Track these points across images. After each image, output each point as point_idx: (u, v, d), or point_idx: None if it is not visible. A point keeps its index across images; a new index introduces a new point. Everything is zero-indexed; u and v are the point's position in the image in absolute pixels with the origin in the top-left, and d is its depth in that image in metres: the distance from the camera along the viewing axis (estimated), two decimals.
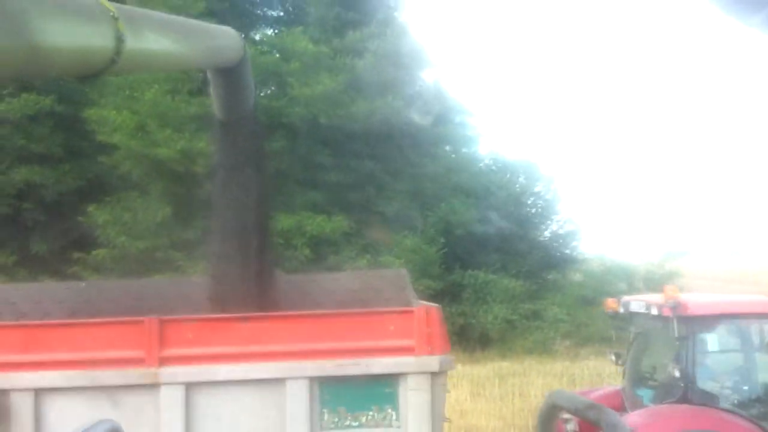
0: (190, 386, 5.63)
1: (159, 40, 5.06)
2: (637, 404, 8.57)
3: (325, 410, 5.71)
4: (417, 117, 23.22)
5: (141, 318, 5.70)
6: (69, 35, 3.89)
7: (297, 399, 5.64)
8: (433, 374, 5.69)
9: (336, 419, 5.71)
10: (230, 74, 6.57)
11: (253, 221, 6.86)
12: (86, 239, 20.33)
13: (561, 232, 26.50)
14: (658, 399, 8.32)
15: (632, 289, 23.03)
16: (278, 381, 5.66)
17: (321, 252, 20.16)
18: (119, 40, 4.22)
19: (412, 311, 5.89)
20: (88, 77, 4.67)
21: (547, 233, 26.31)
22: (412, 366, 5.68)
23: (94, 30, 4.10)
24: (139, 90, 19.58)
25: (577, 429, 8.32)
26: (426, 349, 5.69)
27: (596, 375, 17.62)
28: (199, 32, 5.99)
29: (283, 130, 20.91)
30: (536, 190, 26.09)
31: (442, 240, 21.78)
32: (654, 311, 8.21)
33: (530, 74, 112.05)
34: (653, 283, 23.33)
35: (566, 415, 8.44)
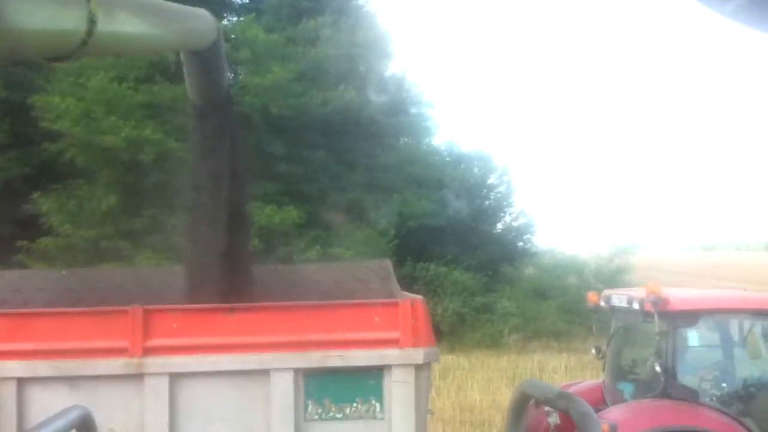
0: (174, 377, 5.59)
1: (132, 21, 4.90)
2: (618, 398, 8.66)
3: (309, 402, 5.71)
4: (373, 106, 23.12)
5: (125, 307, 5.63)
6: (38, 16, 3.76)
7: (282, 390, 5.63)
8: (418, 366, 5.70)
9: (320, 411, 5.71)
10: (204, 57, 6.38)
11: (229, 208, 6.66)
12: (32, 227, 20.02)
13: (515, 224, 26.64)
14: (639, 394, 8.40)
15: (582, 283, 23.19)
16: (263, 372, 5.65)
17: (271, 243, 20.02)
18: (91, 21, 4.09)
19: (397, 303, 5.88)
20: (57, 60, 4.52)
21: (500, 226, 26.44)
22: (396, 358, 5.69)
23: (65, 11, 3.97)
24: (85, 76, 19.24)
25: (559, 422, 8.39)
26: (411, 341, 5.69)
27: (540, 369, 17.75)
28: (173, 14, 5.80)
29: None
30: (490, 182, 26.19)
31: (393, 231, 21.73)
32: (636, 306, 8.26)
33: (486, 66, 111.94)
34: (603, 276, 23.53)
35: (548, 408, 8.48)
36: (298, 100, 20.70)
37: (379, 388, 5.71)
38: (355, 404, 5.71)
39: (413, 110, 25.36)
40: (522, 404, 3.71)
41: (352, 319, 5.83)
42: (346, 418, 5.71)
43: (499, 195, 26.07)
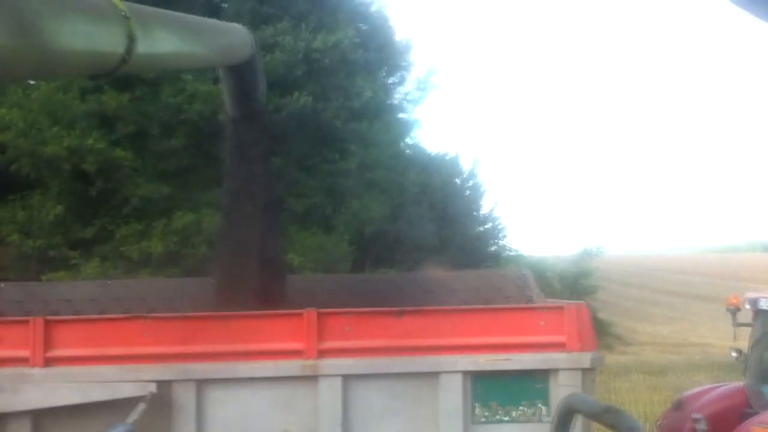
0: (347, 378, 5.82)
1: (170, 39, 5.09)
2: (762, 401, 8.68)
3: (476, 404, 5.91)
4: (332, 112, 22.93)
5: (300, 310, 5.87)
6: (80, 35, 3.89)
7: (450, 392, 5.84)
8: (584, 370, 5.89)
9: (487, 413, 5.91)
10: (240, 71, 6.63)
11: (262, 220, 6.99)
12: None
13: (480, 229, 26.19)
14: None
15: (547, 287, 22.67)
16: (433, 375, 5.87)
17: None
18: (131, 39, 4.25)
19: (562, 308, 6.06)
20: (99, 77, 4.68)
21: (466, 230, 25.95)
22: (563, 362, 5.89)
23: (106, 30, 4.11)
24: (31, 88, 19.42)
25: (706, 428, 8.32)
26: (577, 346, 5.89)
27: None
28: (210, 30, 6.04)
29: (183, 126, 20.70)
30: (456, 186, 25.78)
31: (347, 237, 21.50)
32: None
33: (452, 69, 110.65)
34: (567, 280, 23.01)
35: (696, 415, 8.44)
36: None
37: (545, 391, 5.90)
38: (521, 407, 5.89)
39: (380, 114, 25.11)
40: (568, 418, 3.64)
41: (517, 323, 6.03)
42: (512, 420, 5.90)
43: (465, 199, 25.69)
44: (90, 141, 18.56)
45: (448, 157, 25.73)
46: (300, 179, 22.89)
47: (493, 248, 26.13)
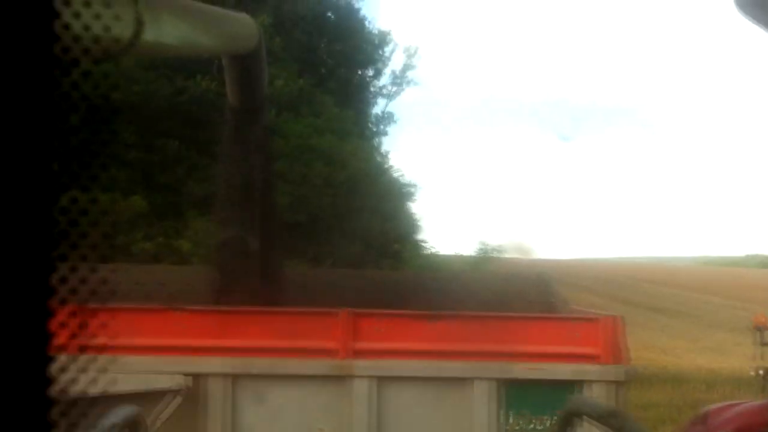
0: (380, 379, 5.70)
1: (177, 24, 5.13)
2: None
3: (509, 411, 5.82)
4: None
5: (335, 310, 5.74)
6: (90, 20, 3.35)
7: (483, 399, 5.75)
8: (617, 383, 5.82)
9: (520, 422, 5.82)
10: (245, 61, 6.54)
11: (260, 211, 6.89)
12: None
13: (386, 224, 26.18)
14: None
15: None
16: (466, 380, 5.78)
17: (110, 233, 19.07)
18: (138, 23, 4.27)
19: (597, 319, 6.02)
20: (105, 60, 4.20)
21: (371, 225, 25.90)
22: (597, 374, 5.80)
23: (114, 12, 3.60)
24: None
25: None
26: (611, 358, 5.81)
27: None
28: (217, 18, 6.03)
29: (80, 105, 19.67)
30: (365, 179, 25.66)
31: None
32: None
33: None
34: None
35: (720, 429, 8.14)
36: (146, 87, 19.94)
37: None
38: (554, 417, 5.64)
39: (296, 105, 24.73)
40: (569, 421, 3.44)
41: (551, 332, 6.00)
42: (545, 430, 5.79)
43: (372, 194, 25.63)
44: None
45: (357, 151, 25.56)
46: (200, 163, 22.28)
47: (395, 245, 26.16)
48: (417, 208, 28.26)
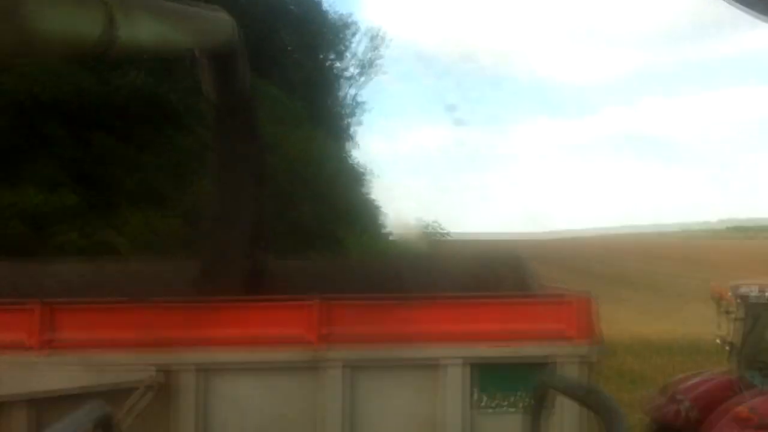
0: (350, 365, 5.71)
1: (151, 22, 5.15)
2: (748, 387, 8.76)
3: (480, 392, 5.85)
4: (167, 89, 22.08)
5: (304, 298, 5.72)
6: (61, 20, 3.97)
7: (454, 380, 5.78)
8: (587, 361, 5.86)
9: (490, 401, 5.85)
10: (221, 57, 6.54)
11: (247, 205, 6.89)
12: None
13: (326, 209, 26.10)
14: None
15: None
16: (436, 363, 5.79)
17: (39, 227, 18.72)
18: (112, 25, 4.31)
19: (567, 299, 6.03)
20: (82, 60, 4.27)
21: (308, 209, 25.77)
22: (568, 353, 5.84)
23: (86, 15, 4.19)
24: None
25: (692, 410, 8.56)
26: (581, 337, 5.84)
27: None
28: (191, 14, 6.01)
29: (8, 105, 19.21)
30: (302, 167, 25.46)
31: (180, 217, 20.79)
32: None
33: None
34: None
35: (681, 397, 8.74)
36: (79, 83, 19.54)
37: None
38: (523, 396, 5.74)
39: None
40: (544, 398, 3.47)
41: (523, 312, 6.00)
42: (515, 408, 5.79)
43: (313, 178, 25.38)
44: None
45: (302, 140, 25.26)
46: (133, 156, 21.94)
47: (338, 231, 26.03)
48: (373, 194, 28.14)
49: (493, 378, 5.86)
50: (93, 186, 20.46)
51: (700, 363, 15.68)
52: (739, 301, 9.34)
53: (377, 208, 29.98)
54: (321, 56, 27.96)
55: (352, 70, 29.31)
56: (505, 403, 5.85)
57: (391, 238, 28.45)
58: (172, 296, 5.91)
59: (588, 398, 3.13)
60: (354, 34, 30.49)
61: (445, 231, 30.19)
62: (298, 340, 5.71)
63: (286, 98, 25.78)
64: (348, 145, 30.84)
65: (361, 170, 28.64)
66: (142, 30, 4.98)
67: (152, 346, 5.57)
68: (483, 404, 5.85)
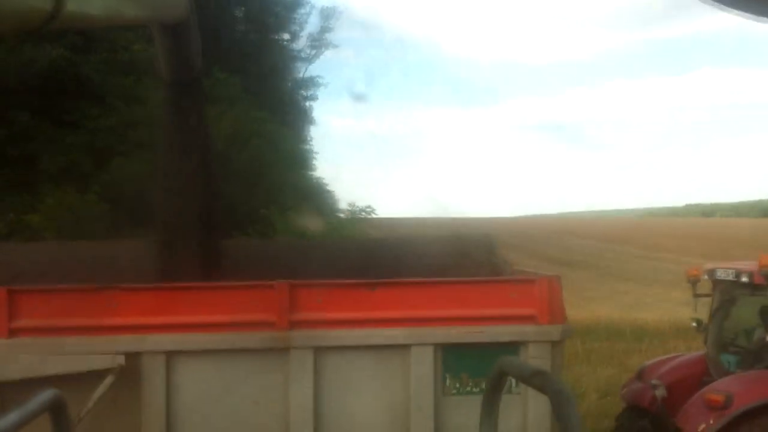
0: (318, 350, 5.68)
1: None
2: (721, 370, 8.77)
3: (447, 376, 5.85)
4: (89, 66, 21.41)
5: (271, 282, 5.64)
6: None
7: (422, 364, 5.77)
8: (554, 343, 5.88)
9: (458, 385, 5.86)
10: (174, 32, 6.33)
11: (199, 187, 6.75)
12: None
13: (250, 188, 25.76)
14: (746, 365, 8.57)
15: None
16: (404, 347, 5.78)
17: None
18: None
19: (533, 280, 6.02)
20: (27, 33, 3.94)
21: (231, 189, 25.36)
22: (533, 334, 5.86)
23: None
24: None
25: (666, 395, 8.47)
26: (548, 318, 5.87)
27: None
28: None
29: None
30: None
31: (100, 197, 20.27)
32: (744, 279, 8.45)
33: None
34: None
35: (655, 381, 8.66)
36: None
37: None
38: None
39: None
40: (499, 381, 3.50)
41: (488, 295, 5.98)
42: (482, 392, 5.42)
43: (237, 157, 24.98)
44: None
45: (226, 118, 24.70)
46: (56, 135, 21.20)
47: (261, 211, 25.73)
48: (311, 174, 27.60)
49: (460, 361, 5.86)
50: (11, 166, 19.72)
51: (643, 349, 15.89)
52: (714, 284, 9.39)
53: (314, 189, 29.73)
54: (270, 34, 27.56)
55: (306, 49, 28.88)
56: (471, 385, 5.87)
57: (327, 219, 28.41)
58: (127, 280, 5.76)
59: (536, 380, 3.20)
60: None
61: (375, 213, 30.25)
62: (266, 324, 5.64)
63: (223, 75, 25.27)
64: (290, 125, 30.48)
65: (301, 151, 28.33)
66: (92, 1, 4.80)
67: (117, 332, 5.46)
68: (449, 387, 5.86)
